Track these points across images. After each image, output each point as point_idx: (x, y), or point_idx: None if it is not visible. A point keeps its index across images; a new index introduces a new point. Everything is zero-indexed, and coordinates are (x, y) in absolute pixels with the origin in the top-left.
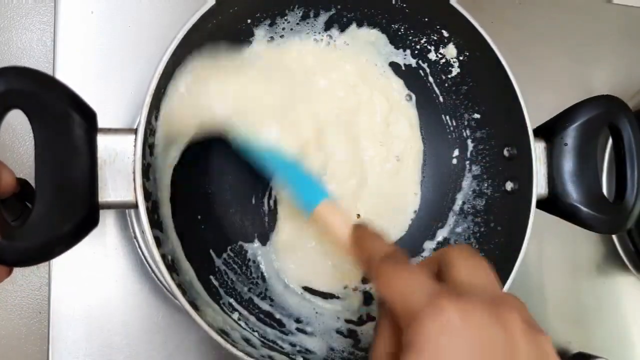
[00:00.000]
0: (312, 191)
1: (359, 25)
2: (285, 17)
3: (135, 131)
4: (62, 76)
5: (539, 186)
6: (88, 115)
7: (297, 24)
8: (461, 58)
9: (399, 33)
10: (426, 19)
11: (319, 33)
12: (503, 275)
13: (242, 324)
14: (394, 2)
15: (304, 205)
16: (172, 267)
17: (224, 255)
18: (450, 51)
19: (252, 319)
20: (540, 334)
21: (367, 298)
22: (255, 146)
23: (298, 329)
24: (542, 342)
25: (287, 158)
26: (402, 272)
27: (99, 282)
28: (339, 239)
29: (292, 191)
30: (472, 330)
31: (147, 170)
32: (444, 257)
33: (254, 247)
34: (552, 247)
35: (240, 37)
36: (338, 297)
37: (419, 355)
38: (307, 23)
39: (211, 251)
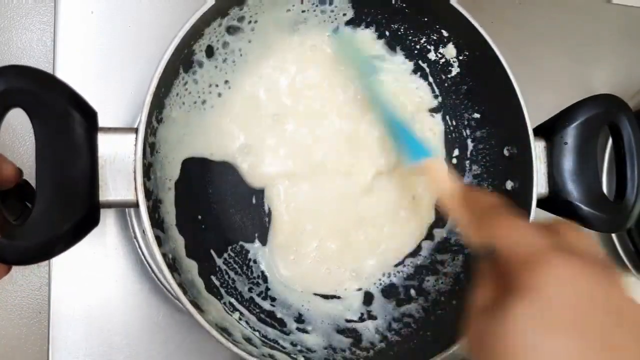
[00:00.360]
0: (420, 148)
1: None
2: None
3: (135, 130)
4: (62, 76)
5: (539, 185)
6: (89, 114)
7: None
8: (461, 58)
9: (399, 33)
10: (426, 19)
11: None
12: None
13: (243, 323)
14: (393, 2)
15: (413, 156)
16: (173, 266)
17: (225, 255)
18: (450, 51)
19: (253, 318)
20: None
21: (368, 298)
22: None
23: (299, 329)
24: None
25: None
26: (520, 224)
27: (99, 282)
28: (441, 192)
29: (403, 142)
30: (582, 284)
31: (148, 170)
32: (553, 226)
33: (254, 247)
34: None
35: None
36: (339, 297)
37: (527, 297)
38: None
39: (212, 251)
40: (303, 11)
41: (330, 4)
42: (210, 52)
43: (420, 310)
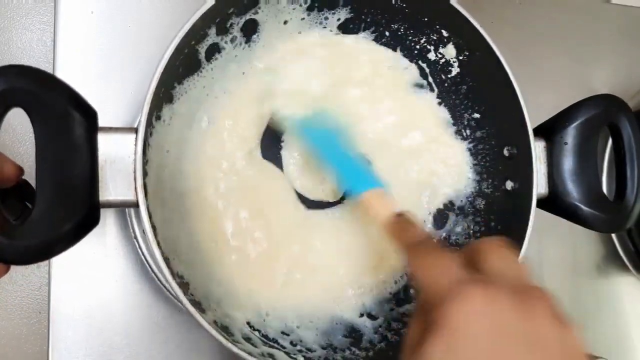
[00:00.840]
0: (363, 178)
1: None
2: None
3: (135, 130)
4: (62, 76)
5: (539, 185)
6: (89, 114)
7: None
8: (461, 58)
9: (399, 33)
10: (426, 19)
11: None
12: None
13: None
14: (393, 2)
15: (353, 188)
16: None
17: None
18: (450, 51)
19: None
20: (567, 327)
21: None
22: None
23: (299, 328)
24: (568, 336)
25: (344, 144)
26: (435, 257)
27: (99, 282)
28: (379, 224)
29: (341, 174)
30: (493, 315)
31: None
32: (475, 247)
33: None
34: (552, 247)
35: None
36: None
37: (438, 334)
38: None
39: None
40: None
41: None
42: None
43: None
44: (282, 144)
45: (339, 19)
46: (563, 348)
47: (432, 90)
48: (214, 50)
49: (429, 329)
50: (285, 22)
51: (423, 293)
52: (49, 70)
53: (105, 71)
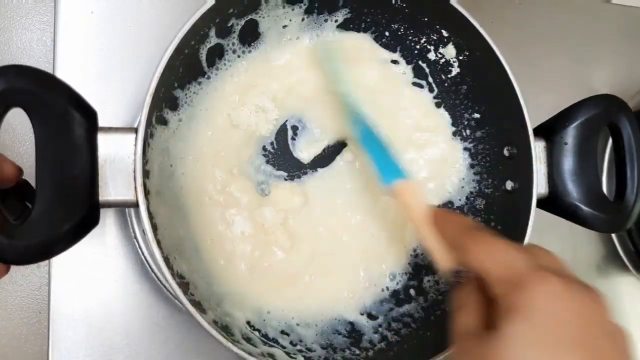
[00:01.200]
0: (395, 168)
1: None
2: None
3: (135, 130)
4: (62, 76)
5: (539, 185)
6: (89, 114)
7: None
8: (461, 58)
9: (399, 33)
10: (426, 19)
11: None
12: None
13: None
14: (393, 1)
15: (384, 178)
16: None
17: None
18: (450, 51)
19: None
20: (622, 329)
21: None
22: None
23: (299, 326)
24: (622, 336)
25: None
26: (498, 244)
27: (99, 282)
28: (412, 216)
29: (376, 162)
30: (574, 302)
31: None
32: (527, 248)
33: None
34: (552, 247)
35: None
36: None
37: (520, 315)
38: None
39: None
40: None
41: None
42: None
43: (419, 310)
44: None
45: (336, 20)
46: (618, 345)
47: (431, 90)
48: (215, 53)
49: (505, 313)
50: (284, 27)
51: (490, 278)
52: (49, 70)
53: (105, 71)
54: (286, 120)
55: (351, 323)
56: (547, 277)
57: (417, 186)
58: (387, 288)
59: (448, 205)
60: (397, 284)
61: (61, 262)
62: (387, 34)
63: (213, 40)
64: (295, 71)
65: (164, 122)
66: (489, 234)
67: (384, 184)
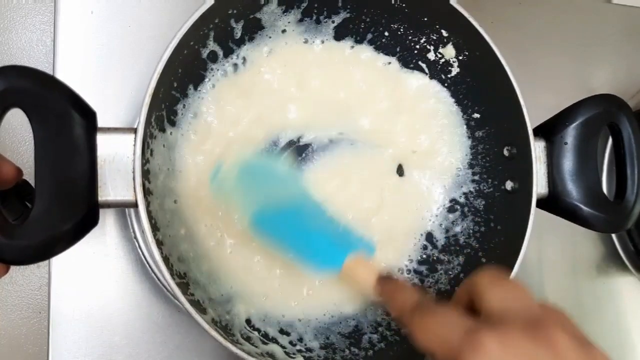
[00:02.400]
0: (336, 248)
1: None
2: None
3: (134, 130)
4: (62, 76)
5: (539, 185)
6: (88, 114)
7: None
8: (460, 58)
9: (398, 33)
10: (425, 19)
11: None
12: None
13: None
14: (393, 1)
15: (330, 265)
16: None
17: None
18: (449, 51)
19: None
20: (591, 347)
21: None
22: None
23: (298, 328)
24: (595, 354)
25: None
26: (435, 317)
27: (99, 282)
28: (365, 290)
29: (311, 255)
30: (515, 358)
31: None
32: (472, 289)
33: None
34: (552, 247)
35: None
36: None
37: None
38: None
39: None
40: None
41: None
42: None
43: None
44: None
45: (333, 22)
46: None
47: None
48: (215, 55)
49: None
50: (283, 31)
51: (435, 357)
52: (49, 70)
53: (105, 71)
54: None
55: (352, 321)
56: (479, 341)
57: (361, 260)
58: None
59: (453, 198)
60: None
61: (61, 262)
62: (386, 34)
63: (211, 45)
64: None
65: (163, 127)
66: (431, 308)
67: (336, 270)
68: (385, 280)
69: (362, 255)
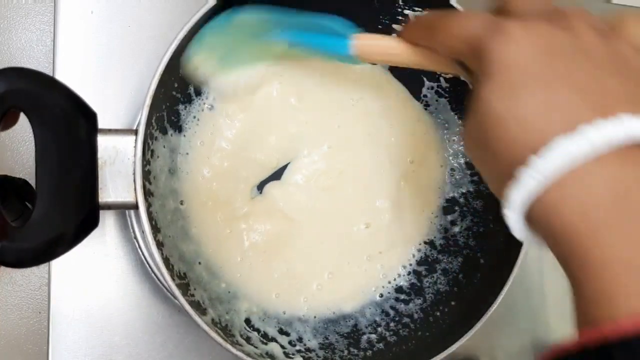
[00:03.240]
0: (338, 36)
1: None
2: None
3: (135, 132)
4: (62, 76)
5: None
6: (88, 116)
7: None
8: None
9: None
10: None
11: None
12: (503, 276)
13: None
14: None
15: (342, 53)
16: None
17: None
18: None
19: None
20: (613, 36)
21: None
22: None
23: (298, 328)
24: (617, 44)
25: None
26: (455, 16)
27: (99, 282)
28: (399, 58)
29: (320, 47)
30: (536, 38)
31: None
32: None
33: None
34: None
35: None
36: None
37: (486, 78)
38: None
39: None
40: None
41: None
42: None
43: (418, 311)
44: None
45: None
46: (616, 57)
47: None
48: None
49: (481, 81)
50: None
51: (462, 56)
52: (49, 70)
53: (105, 71)
54: None
55: (351, 320)
56: (502, 27)
57: (370, 35)
58: (387, 290)
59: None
60: (397, 284)
61: (61, 262)
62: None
63: None
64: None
65: (164, 128)
66: (449, 14)
67: (345, 55)
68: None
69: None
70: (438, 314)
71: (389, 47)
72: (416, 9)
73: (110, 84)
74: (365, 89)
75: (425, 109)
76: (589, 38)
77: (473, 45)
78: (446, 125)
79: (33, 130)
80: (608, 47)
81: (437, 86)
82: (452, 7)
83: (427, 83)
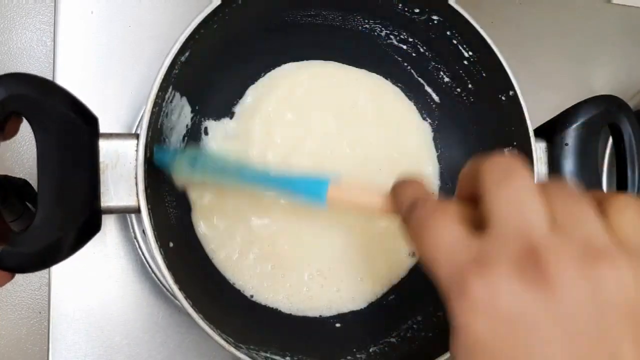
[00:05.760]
0: (313, 184)
1: None
2: None
3: (137, 136)
4: (62, 76)
5: None
6: (90, 120)
7: None
8: None
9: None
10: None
11: None
12: None
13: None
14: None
15: (315, 200)
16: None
17: None
18: None
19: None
20: (598, 261)
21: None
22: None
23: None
24: (602, 281)
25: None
26: (430, 223)
27: (99, 282)
28: (372, 210)
29: (296, 195)
30: (499, 305)
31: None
32: (475, 182)
33: None
34: None
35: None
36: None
37: (455, 337)
38: None
39: None
40: None
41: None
42: None
43: (422, 311)
44: None
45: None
46: (603, 320)
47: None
48: None
49: (452, 332)
50: None
51: (437, 280)
52: (49, 70)
53: (106, 71)
54: None
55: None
56: (465, 284)
57: (344, 181)
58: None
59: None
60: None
61: (61, 263)
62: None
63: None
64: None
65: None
66: (425, 207)
67: (323, 203)
68: (395, 185)
69: (341, 180)
70: (441, 314)
71: (366, 204)
72: (415, 9)
73: (111, 84)
74: None
75: None
76: (570, 296)
77: (447, 277)
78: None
79: (35, 135)
80: (595, 305)
81: None
82: (450, 7)
83: None
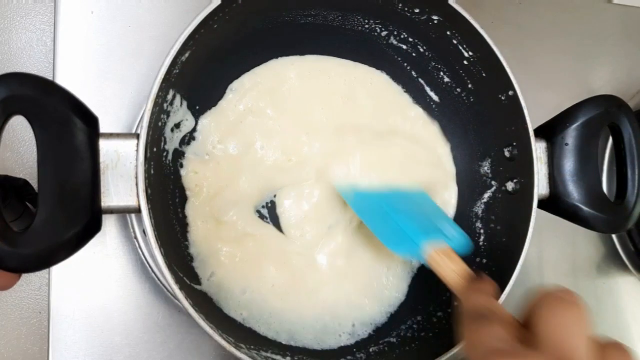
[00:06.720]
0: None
1: None
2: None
3: (137, 136)
4: (62, 76)
5: (540, 186)
6: (90, 120)
7: None
8: None
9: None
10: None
11: None
12: (504, 276)
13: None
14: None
15: (413, 250)
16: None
17: None
18: None
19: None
20: None
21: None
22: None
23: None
24: None
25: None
26: (481, 330)
27: (99, 282)
28: (449, 283)
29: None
30: None
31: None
32: (531, 306)
33: None
34: (552, 247)
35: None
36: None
37: None
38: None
39: None
40: None
41: None
42: None
43: (422, 311)
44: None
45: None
46: None
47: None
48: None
49: None
50: None
51: None
52: (49, 70)
53: (106, 71)
54: None
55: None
56: None
57: (449, 251)
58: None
59: None
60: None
61: (61, 263)
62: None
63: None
64: None
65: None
66: (482, 319)
67: (419, 255)
68: (472, 280)
69: (448, 249)
70: (440, 315)
71: (449, 279)
72: (415, 9)
73: (111, 83)
74: None
75: None
76: None
77: None
78: None
79: (35, 135)
80: None
81: None
82: (450, 7)
83: None
